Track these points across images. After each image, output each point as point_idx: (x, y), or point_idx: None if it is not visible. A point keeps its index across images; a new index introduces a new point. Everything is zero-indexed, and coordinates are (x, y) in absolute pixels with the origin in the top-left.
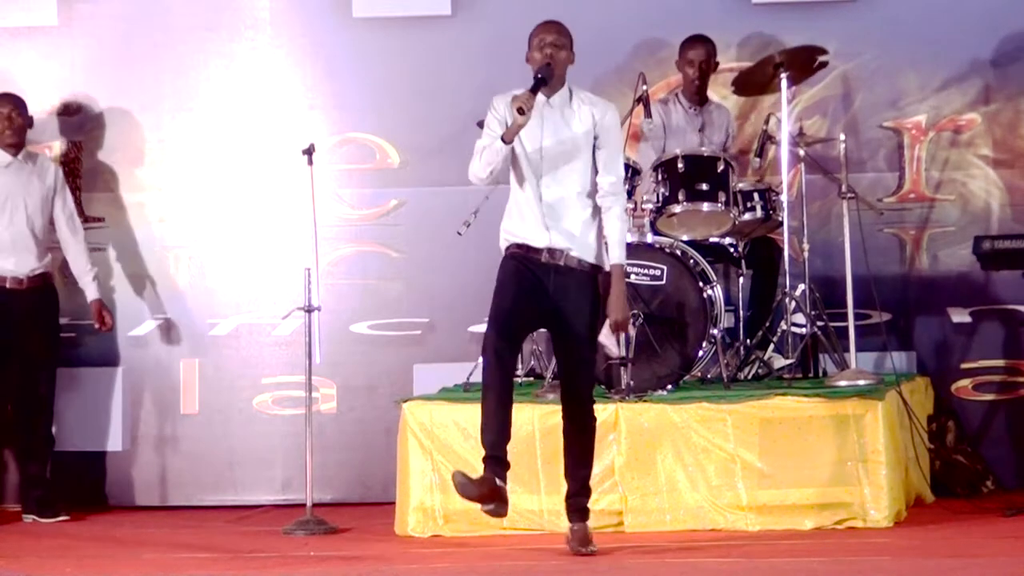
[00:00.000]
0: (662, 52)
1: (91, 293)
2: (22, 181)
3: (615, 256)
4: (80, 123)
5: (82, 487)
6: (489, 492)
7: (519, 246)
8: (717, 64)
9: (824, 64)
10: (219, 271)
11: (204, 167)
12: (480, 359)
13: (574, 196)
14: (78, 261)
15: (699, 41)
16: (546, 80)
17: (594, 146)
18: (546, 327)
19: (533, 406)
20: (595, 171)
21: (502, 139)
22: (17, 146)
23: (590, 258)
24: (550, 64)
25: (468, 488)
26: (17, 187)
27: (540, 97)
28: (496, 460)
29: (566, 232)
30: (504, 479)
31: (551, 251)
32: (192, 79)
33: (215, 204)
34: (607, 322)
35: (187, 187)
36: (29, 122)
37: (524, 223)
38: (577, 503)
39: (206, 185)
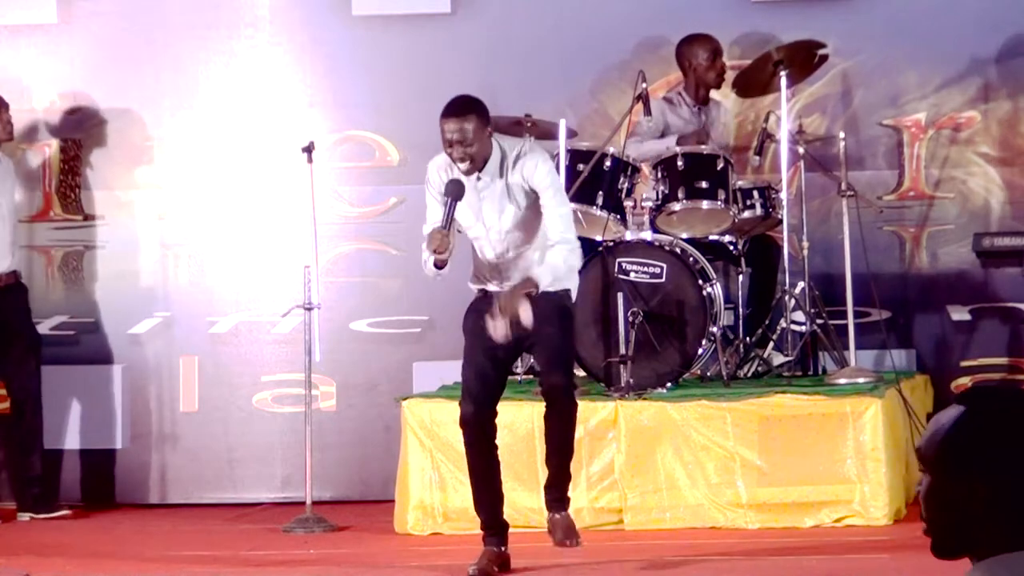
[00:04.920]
0: (662, 50)
1: None
2: None
3: (537, 273)
4: (79, 121)
5: (83, 484)
6: (494, 567)
7: (480, 290)
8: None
9: (824, 58)
10: (219, 269)
11: (203, 165)
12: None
13: (526, 253)
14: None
15: (706, 36)
16: (459, 198)
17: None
18: (524, 352)
19: (532, 404)
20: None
21: (434, 264)
22: None
23: (553, 288)
24: (459, 184)
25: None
26: None
27: (469, 179)
28: (495, 530)
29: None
30: (505, 543)
31: None
32: (191, 77)
33: (215, 202)
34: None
35: (186, 185)
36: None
37: (480, 274)
38: (552, 494)
39: (206, 183)
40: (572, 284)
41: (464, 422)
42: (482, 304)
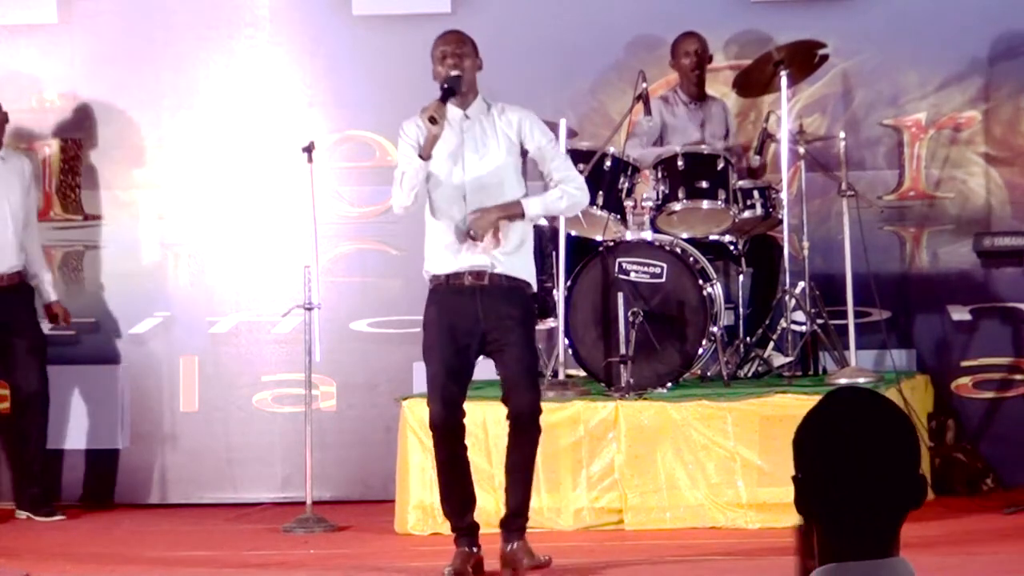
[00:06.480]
0: (660, 49)
1: (51, 295)
2: (2, 178)
3: (527, 201)
4: (79, 120)
5: (83, 485)
6: (468, 568)
7: (438, 279)
8: (711, 57)
9: (825, 58)
10: (219, 269)
11: (204, 165)
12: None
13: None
14: (38, 261)
15: (691, 34)
16: (454, 90)
17: (522, 151)
18: (485, 354)
19: None
20: (520, 178)
21: (420, 156)
22: None
23: (518, 275)
24: (458, 74)
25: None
26: None
27: (457, 112)
28: (466, 531)
29: (492, 253)
30: (477, 544)
31: (474, 273)
32: (191, 76)
33: (215, 202)
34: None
35: (186, 185)
36: (5, 118)
37: (445, 250)
38: (515, 523)
39: (206, 183)
40: (569, 212)
41: (435, 424)
42: (444, 293)
